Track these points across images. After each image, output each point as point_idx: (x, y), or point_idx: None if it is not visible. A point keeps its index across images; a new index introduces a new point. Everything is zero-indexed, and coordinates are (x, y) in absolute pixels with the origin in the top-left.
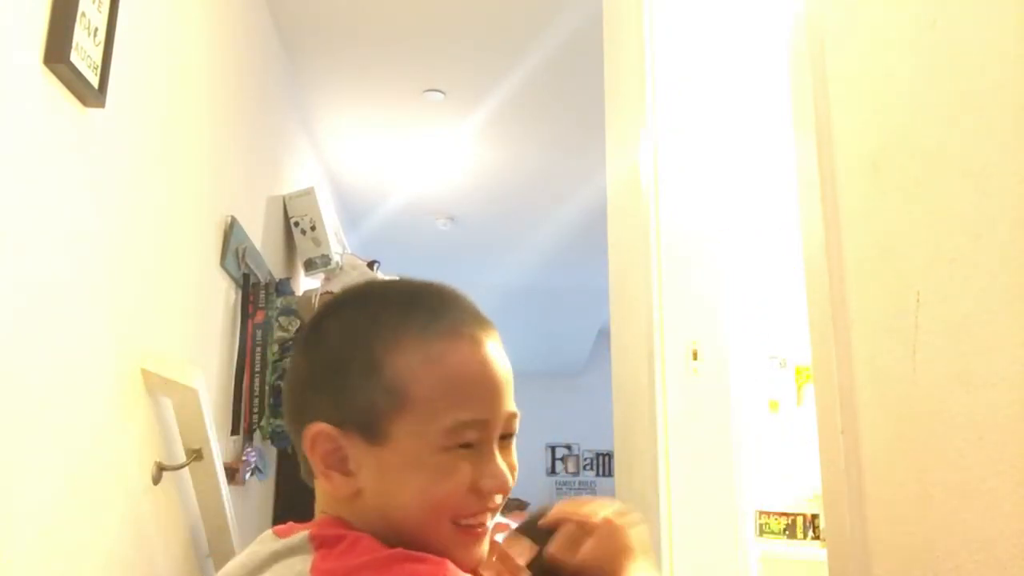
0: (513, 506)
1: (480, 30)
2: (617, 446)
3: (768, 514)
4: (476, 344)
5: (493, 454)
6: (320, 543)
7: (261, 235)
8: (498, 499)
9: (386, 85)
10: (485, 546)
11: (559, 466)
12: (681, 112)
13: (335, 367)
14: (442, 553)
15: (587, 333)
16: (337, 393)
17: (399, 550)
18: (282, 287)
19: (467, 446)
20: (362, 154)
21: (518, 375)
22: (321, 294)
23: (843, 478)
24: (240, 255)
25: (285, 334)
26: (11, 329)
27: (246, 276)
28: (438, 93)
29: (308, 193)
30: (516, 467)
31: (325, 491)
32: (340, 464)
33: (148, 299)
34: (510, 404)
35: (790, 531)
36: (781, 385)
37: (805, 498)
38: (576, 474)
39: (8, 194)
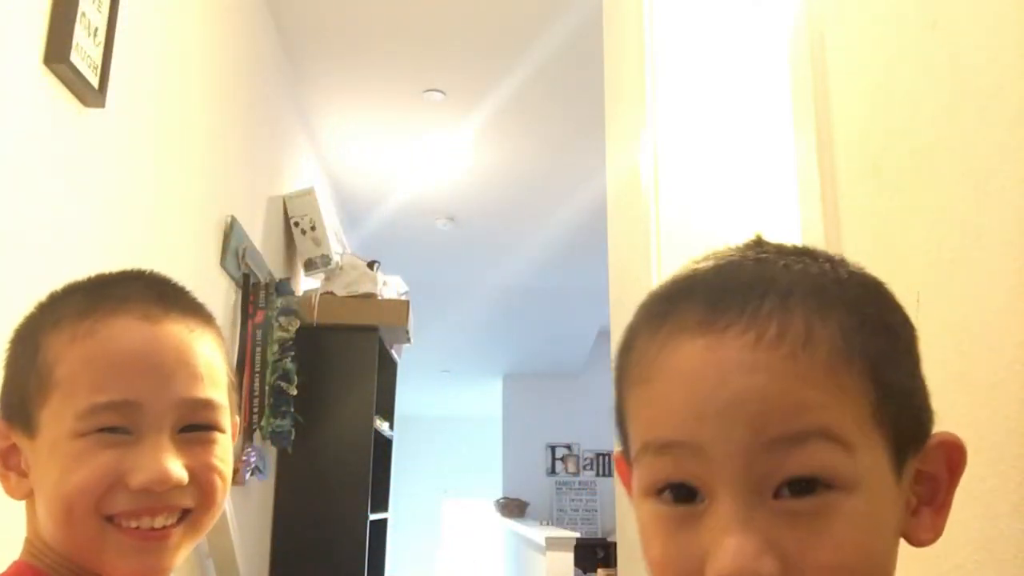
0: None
1: (480, 30)
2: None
3: None
4: (139, 320)
5: (152, 444)
6: None
7: (261, 235)
8: (176, 498)
9: (386, 85)
10: (166, 554)
11: (559, 466)
12: (681, 112)
13: (8, 360)
14: (100, 560)
15: (587, 333)
16: (4, 385)
17: None
18: (282, 287)
19: (112, 431)
20: (362, 154)
21: (519, 375)
22: (321, 294)
23: None
24: (240, 255)
25: (285, 334)
26: (9, 330)
27: (246, 276)
28: (438, 93)
29: (308, 193)
30: (215, 466)
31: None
32: (16, 464)
33: None
34: (188, 390)
35: None
36: None
37: None
38: (576, 474)
39: (8, 193)
